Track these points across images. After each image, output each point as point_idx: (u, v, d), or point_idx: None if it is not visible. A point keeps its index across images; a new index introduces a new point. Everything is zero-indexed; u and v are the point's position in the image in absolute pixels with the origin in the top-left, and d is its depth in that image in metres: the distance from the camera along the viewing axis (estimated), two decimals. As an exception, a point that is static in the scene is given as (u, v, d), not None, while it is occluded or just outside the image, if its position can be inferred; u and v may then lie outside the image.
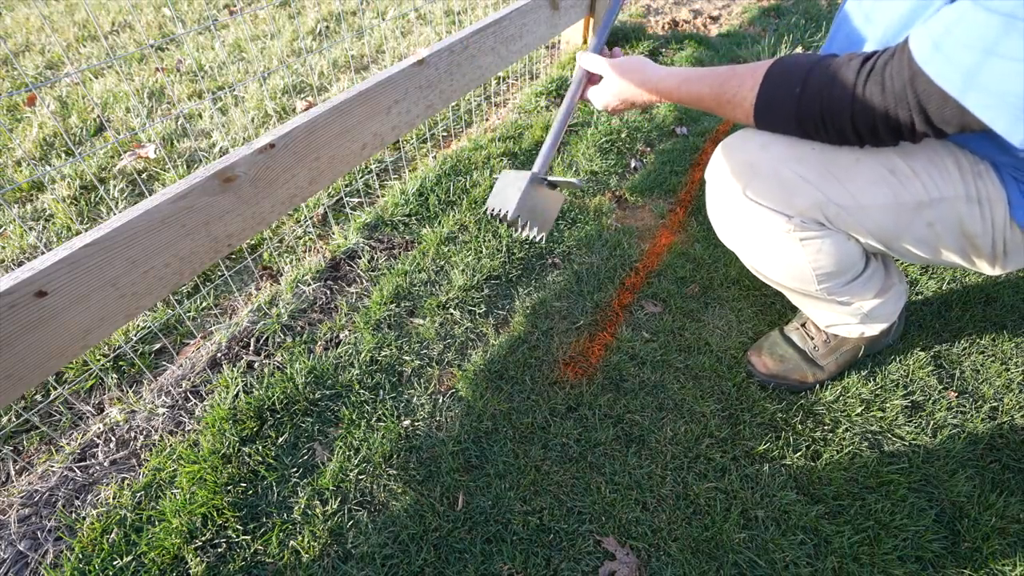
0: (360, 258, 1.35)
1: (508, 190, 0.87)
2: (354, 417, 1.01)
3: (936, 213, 0.73)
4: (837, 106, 0.65)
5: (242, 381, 1.06)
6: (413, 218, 1.47)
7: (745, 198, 0.79)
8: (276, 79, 2.11)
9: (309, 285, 1.27)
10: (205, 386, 1.08)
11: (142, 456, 0.98)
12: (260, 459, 0.95)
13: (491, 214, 0.88)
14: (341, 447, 0.97)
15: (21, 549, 0.86)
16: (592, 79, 0.97)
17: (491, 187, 0.86)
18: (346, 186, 1.58)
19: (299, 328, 1.19)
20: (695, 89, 0.80)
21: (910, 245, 0.77)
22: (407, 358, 1.12)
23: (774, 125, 0.75)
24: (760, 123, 0.76)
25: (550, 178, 0.89)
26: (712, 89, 0.78)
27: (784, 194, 0.76)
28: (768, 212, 0.78)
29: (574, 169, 1.63)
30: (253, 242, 1.43)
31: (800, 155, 0.74)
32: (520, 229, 0.86)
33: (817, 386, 1.05)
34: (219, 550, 0.85)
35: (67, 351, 0.80)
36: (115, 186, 1.61)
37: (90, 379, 1.09)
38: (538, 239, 0.87)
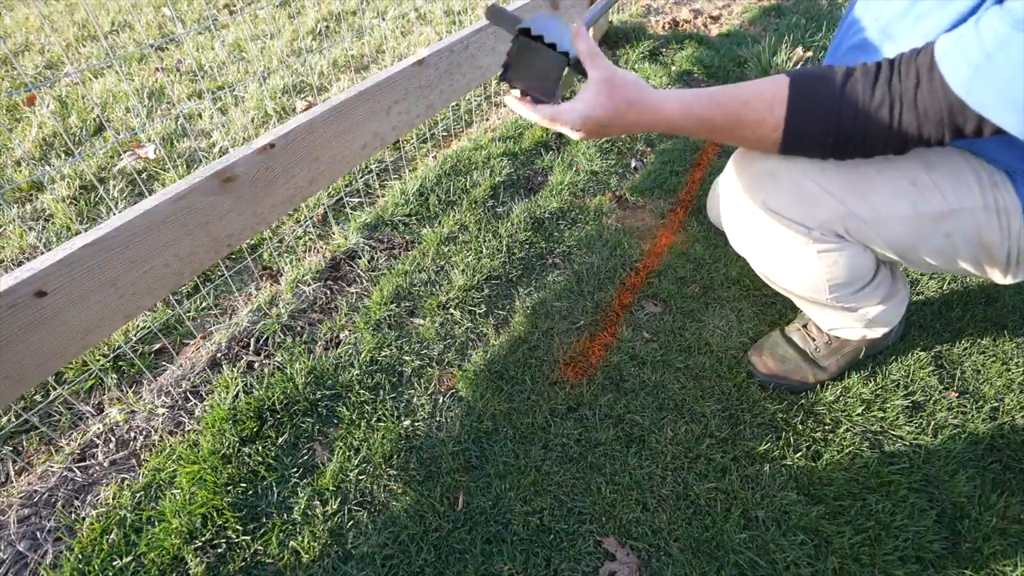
0: (360, 258, 1.35)
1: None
2: (354, 417, 1.01)
3: (955, 224, 0.72)
4: (877, 145, 0.63)
5: (242, 381, 1.06)
6: (413, 218, 1.47)
7: (764, 208, 0.78)
8: (276, 79, 2.10)
9: (309, 285, 1.27)
10: (205, 386, 1.08)
11: (142, 456, 0.98)
12: (260, 459, 0.95)
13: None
14: (341, 447, 0.96)
15: (21, 549, 0.86)
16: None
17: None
18: (346, 186, 1.58)
19: (299, 328, 1.19)
20: (704, 115, 0.68)
21: (927, 255, 0.76)
22: (407, 358, 1.11)
23: (801, 155, 0.72)
24: (787, 154, 0.72)
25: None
26: (726, 119, 0.68)
27: (805, 206, 0.74)
28: (787, 223, 0.77)
29: (574, 169, 1.63)
30: (253, 242, 1.43)
31: (823, 166, 0.72)
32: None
33: (817, 386, 1.05)
34: (219, 550, 0.85)
35: (67, 351, 0.80)
36: (115, 186, 1.60)
37: (90, 379, 1.09)
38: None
